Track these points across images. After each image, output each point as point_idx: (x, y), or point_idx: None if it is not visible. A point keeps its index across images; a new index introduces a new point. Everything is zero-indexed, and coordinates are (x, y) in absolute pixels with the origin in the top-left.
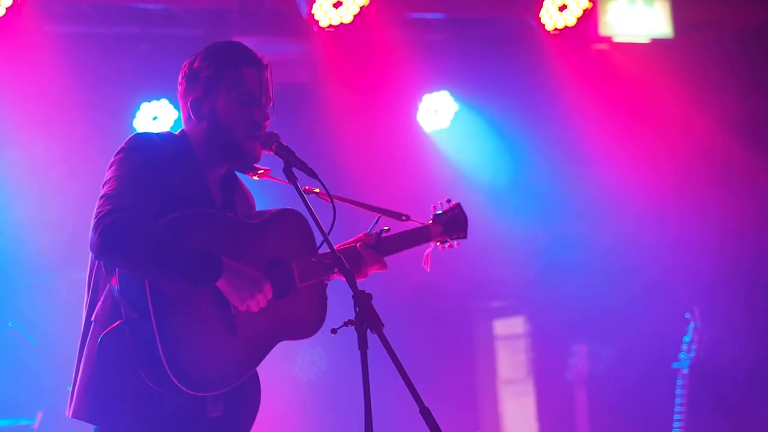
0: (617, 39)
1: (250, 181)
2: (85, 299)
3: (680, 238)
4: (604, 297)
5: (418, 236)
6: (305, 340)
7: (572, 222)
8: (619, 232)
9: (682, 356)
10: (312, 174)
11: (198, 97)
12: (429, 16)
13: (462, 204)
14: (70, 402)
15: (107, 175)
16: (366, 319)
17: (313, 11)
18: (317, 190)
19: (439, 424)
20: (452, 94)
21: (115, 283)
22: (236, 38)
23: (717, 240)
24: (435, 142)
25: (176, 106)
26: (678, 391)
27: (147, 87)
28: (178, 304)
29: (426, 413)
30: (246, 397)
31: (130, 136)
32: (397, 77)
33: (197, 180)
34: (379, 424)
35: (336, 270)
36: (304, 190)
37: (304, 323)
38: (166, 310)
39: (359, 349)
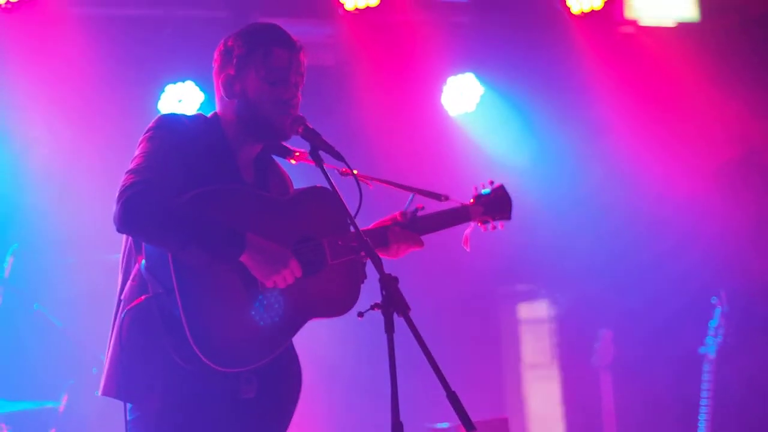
0: (643, 22)
1: (288, 166)
2: (119, 280)
3: (706, 223)
4: (629, 281)
5: (457, 216)
6: (329, 323)
7: (598, 207)
8: (645, 216)
9: (708, 341)
10: (338, 157)
11: (230, 75)
12: None
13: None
14: (101, 380)
15: (135, 152)
16: (392, 302)
17: None
18: (355, 171)
19: (466, 409)
20: (477, 76)
21: (142, 259)
22: (262, 21)
23: (743, 224)
24: (460, 126)
25: (201, 88)
26: (704, 376)
27: (172, 69)
28: (204, 279)
29: (453, 398)
30: (282, 380)
31: (158, 115)
32: (422, 60)
33: (225, 160)
34: (405, 407)
35: (363, 253)
36: (342, 172)
37: (336, 301)
38: (191, 284)
39: (386, 332)
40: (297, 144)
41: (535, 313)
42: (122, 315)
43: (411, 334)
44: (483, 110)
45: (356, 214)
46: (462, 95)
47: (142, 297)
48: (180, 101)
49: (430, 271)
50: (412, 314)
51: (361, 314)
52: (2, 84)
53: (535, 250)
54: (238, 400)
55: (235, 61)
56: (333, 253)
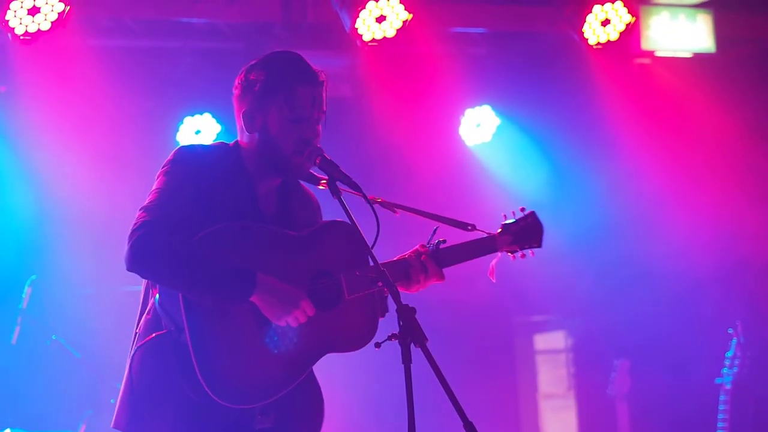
0: (660, 53)
1: (317, 190)
2: (138, 311)
3: (723, 253)
4: (646, 311)
5: (483, 247)
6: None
7: (614, 237)
8: (661, 246)
9: (724, 372)
10: (356, 187)
11: (251, 109)
12: (471, 30)
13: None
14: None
15: (153, 186)
16: (410, 333)
17: (356, 25)
18: (379, 199)
19: None
20: (494, 108)
21: (156, 293)
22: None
23: (759, 254)
24: (477, 156)
25: (219, 120)
26: (720, 407)
27: (190, 101)
28: (214, 317)
29: (470, 428)
30: (301, 410)
31: (177, 147)
32: (440, 91)
33: (245, 191)
34: None
35: (380, 284)
36: (370, 199)
37: (354, 336)
38: (201, 322)
39: (403, 363)
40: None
41: (551, 343)
42: (134, 351)
43: (428, 364)
44: (499, 141)
45: (374, 244)
46: (479, 126)
47: (153, 334)
48: (198, 132)
49: (447, 301)
50: (428, 344)
51: (378, 344)
52: (21, 116)
53: (551, 281)
54: (253, 430)
55: (257, 95)
56: (350, 288)
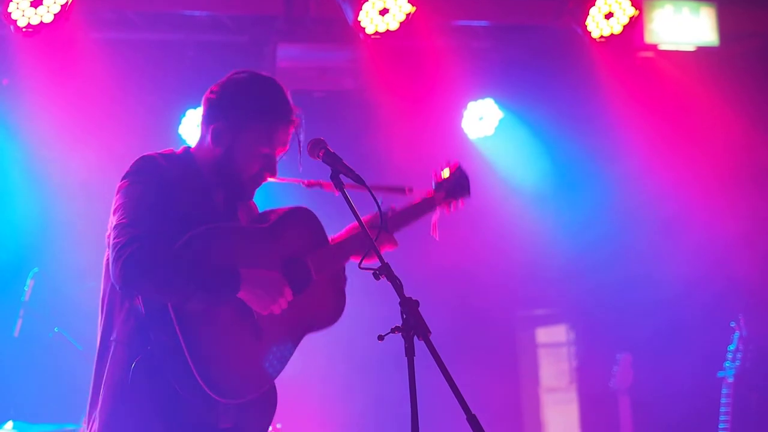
0: (663, 47)
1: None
2: (100, 317)
3: (726, 247)
4: (648, 305)
5: (424, 207)
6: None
7: (616, 230)
8: (664, 240)
9: (727, 365)
10: (359, 181)
11: (223, 126)
12: (474, 23)
13: (462, 163)
14: (91, 422)
15: (116, 201)
16: (413, 326)
17: (359, 18)
18: (323, 182)
19: None
20: (497, 101)
21: (139, 304)
22: (282, 45)
23: (763, 248)
24: (480, 150)
25: None
26: (723, 401)
27: (192, 93)
28: (204, 320)
29: (473, 420)
30: (259, 410)
31: (136, 159)
32: (443, 85)
33: (204, 196)
34: (425, 429)
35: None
36: (310, 183)
37: (326, 313)
38: (193, 327)
39: (406, 356)
40: (318, 167)
41: (553, 337)
42: (132, 366)
43: (431, 357)
44: (502, 134)
45: (377, 236)
46: (481, 119)
47: (147, 347)
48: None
49: (450, 294)
50: (431, 337)
51: (381, 337)
52: (23, 109)
53: (553, 274)
54: (216, 429)
55: (233, 116)
56: (316, 269)
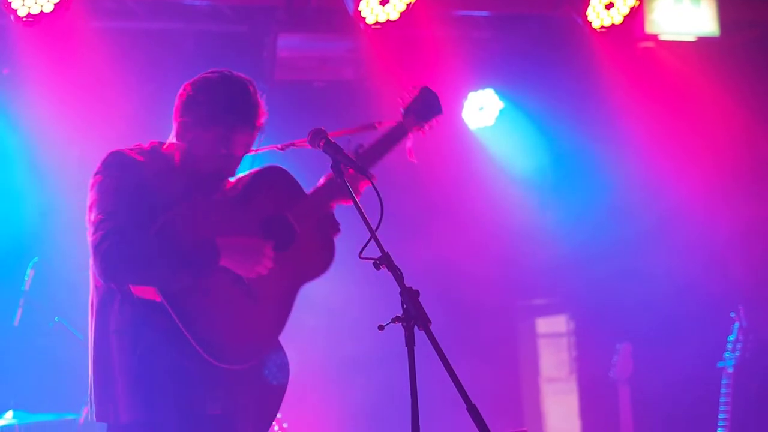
0: (663, 37)
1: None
2: (91, 312)
3: (726, 237)
4: (648, 295)
5: (395, 135)
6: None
7: (617, 220)
8: (664, 230)
9: (726, 356)
10: (361, 170)
11: (188, 122)
12: (475, 13)
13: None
14: (101, 407)
15: (90, 198)
16: (413, 316)
17: (359, 8)
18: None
19: (485, 422)
20: (497, 91)
21: (129, 292)
22: (282, 35)
23: (762, 238)
24: (480, 140)
25: None
26: (723, 391)
27: None
28: (195, 293)
29: (473, 410)
30: (252, 398)
31: (106, 154)
32: (443, 75)
33: (175, 186)
34: (425, 419)
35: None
36: (284, 146)
37: (317, 261)
38: (184, 301)
39: (406, 345)
40: (318, 157)
41: (553, 327)
42: (138, 354)
43: (431, 347)
44: (503, 124)
45: (378, 226)
46: (482, 110)
47: (148, 331)
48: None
49: (450, 284)
50: (431, 327)
51: (381, 327)
52: (23, 98)
53: (553, 264)
54: (204, 415)
55: (197, 115)
56: (299, 222)
